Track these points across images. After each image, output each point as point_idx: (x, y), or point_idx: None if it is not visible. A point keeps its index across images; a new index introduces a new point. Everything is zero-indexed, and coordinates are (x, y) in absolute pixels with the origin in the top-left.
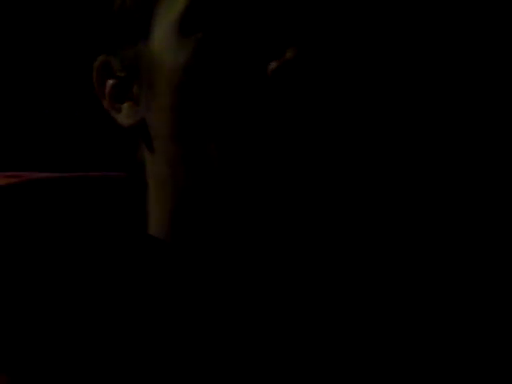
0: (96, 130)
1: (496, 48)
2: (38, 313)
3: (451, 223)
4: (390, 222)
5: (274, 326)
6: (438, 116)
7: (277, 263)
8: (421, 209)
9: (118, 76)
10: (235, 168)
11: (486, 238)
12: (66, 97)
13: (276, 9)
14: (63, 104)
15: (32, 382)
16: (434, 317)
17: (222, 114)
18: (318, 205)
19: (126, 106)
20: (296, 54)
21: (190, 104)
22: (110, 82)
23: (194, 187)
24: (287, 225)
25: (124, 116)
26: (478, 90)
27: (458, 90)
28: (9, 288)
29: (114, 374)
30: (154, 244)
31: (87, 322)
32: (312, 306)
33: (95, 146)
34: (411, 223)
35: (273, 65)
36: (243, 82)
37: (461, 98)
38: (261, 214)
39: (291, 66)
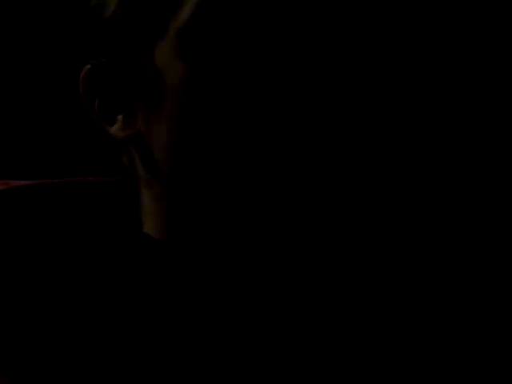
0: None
1: (496, 48)
2: (36, 315)
3: (451, 223)
4: (389, 222)
5: (272, 325)
6: (438, 116)
7: (276, 264)
8: (421, 209)
9: (110, 88)
10: (230, 180)
11: (486, 238)
12: (64, 103)
13: (272, 33)
14: (61, 110)
15: None
16: (434, 317)
17: (221, 132)
18: (316, 205)
19: (120, 117)
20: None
21: (193, 120)
22: (101, 93)
23: (189, 199)
24: (285, 228)
25: (118, 128)
26: (478, 90)
27: (457, 90)
28: (5, 291)
29: (112, 375)
30: (151, 244)
31: (86, 323)
32: (311, 306)
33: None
34: (411, 223)
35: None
36: (248, 101)
37: (461, 98)
38: (258, 223)
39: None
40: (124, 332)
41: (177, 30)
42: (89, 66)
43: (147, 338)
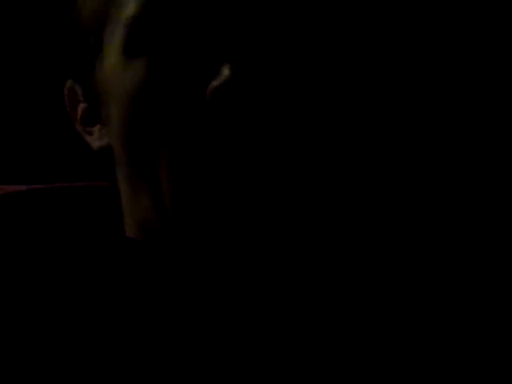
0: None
1: (496, 48)
2: (30, 318)
3: (451, 223)
4: (389, 222)
5: (271, 324)
6: (438, 116)
7: (273, 263)
8: (420, 209)
9: (85, 100)
10: (188, 194)
11: (486, 238)
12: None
13: (211, 27)
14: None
15: None
16: (434, 317)
17: (167, 141)
18: (314, 206)
19: (96, 128)
20: (232, 70)
21: (138, 130)
22: (81, 106)
23: (153, 209)
24: (280, 228)
25: (95, 138)
26: (478, 90)
27: (457, 90)
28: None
29: (108, 377)
30: (131, 246)
31: (79, 326)
32: (310, 305)
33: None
34: (411, 223)
35: (211, 85)
36: (186, 107)
37: (461, 98)
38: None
39: (228, 83)
40: (118, 331)
41: (119, 39)
42: (70, 80)
43: (139, 339)
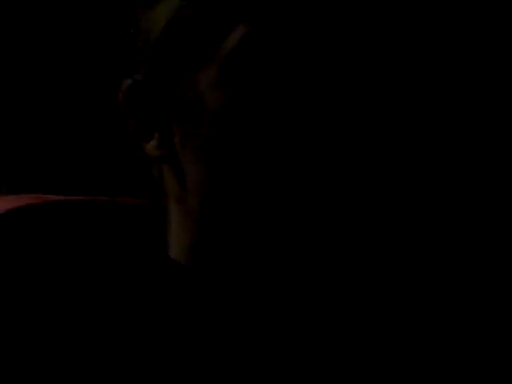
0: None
1: (496, 48)
2: (51, 335)
3: (451, 224)
4: (389, 223)
5: (275, 329)
6: (438, 117)
7: (278, 266)
8: (421, 209)
9: (150, 105)
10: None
11: (486, 238)
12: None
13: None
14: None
15: None
16: (434, 318)
17: (257, 172)
18: (317, 209)
19: (157, 136)
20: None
21: (229, 149)
22: (141, 109)
23: (216, 223)
24: (292, 240)
25: (153, 146)
26: (478, 90)
27: (457, 90)
28: (27, 305)
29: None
30: (174, 267)
31: (106, 344)
32: (311, 307)
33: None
34: (411, 224)
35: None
36: (285, 144)
37: (461, 98)
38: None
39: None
40: (141, 348)
41: (220, 60)
42: (130, 81)
43: (161, 354)
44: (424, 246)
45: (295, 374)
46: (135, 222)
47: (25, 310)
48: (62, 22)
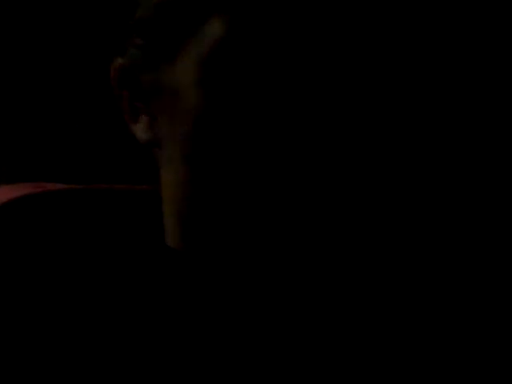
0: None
1: (496, 48)
2: (54, 324)
3: (451, 223)
4: (389, 223)
5: (275, 327)
6: (437, 117)
7: (280, 267)
8: (421, 209)
9: (137, 86)
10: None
11: (486, 238)
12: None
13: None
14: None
15: None
16: (434, 317)
17: (235, 158)
18: (318, 207)
19: (144, 118)
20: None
21: (206, 139)
22: (129, 89)
23: (200, 207)
24: (290, 231)
25: (141, 129)
26: (478, 90)
27: (457, 90)
28: (29, 295)
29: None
30: (167, 253)
31: (102, 330)
32: (312, 306)
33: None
34: (411, 224)
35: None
36: (260, 136)
37: (461, 98)
38: (265, 228)
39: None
40: (138, 336)
41: (199, 56)
42: (121, 60)
43: (158, 343)
44: (424, 245)
45: (292, 367)
46: (134, 209)
47: (25, 300)
48: (55, 12)
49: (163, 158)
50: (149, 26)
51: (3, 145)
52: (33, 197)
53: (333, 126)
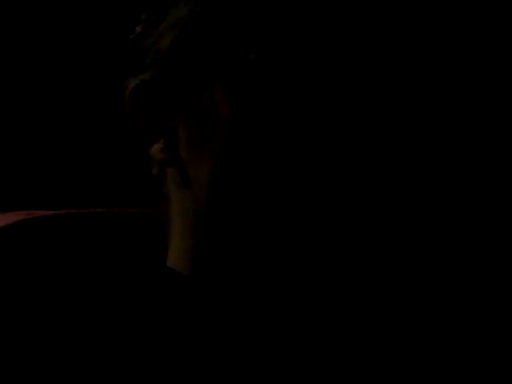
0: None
1: (496, 48)
2: (52, 356)
3: (451, 223)
4: (389, 223)
5: (275, 330)
6: (438, 117)
7: (278, 266)
8: (421, 209)
9: (156, 108)
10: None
11: (486, 238)
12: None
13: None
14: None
15: None
16: (434, 317)
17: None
18: (317, 208)
19: (162, 139)
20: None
21: (236, 160)
22: (147, 111)
23: (220, 230)
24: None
25: (158, 149)
26: (478, 90)
27: (457, 90)
28: (24, 322)
29: None
30: (173, 276)
31: (102, 359)
32: (311, 307)
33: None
34: (411, 224)
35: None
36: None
37: (461, 98)
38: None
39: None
40: (141, 357)
41: (235, 77)
42: (136, 82)
43: (162, 363)
44: (424, 245)
45: (292, 368)
46: (133, 233)
47: (19, 327)
48: (64, 21)
49: (181, 178)
50: (175, 52)
51: None
52: (25, 223)
53: (347, 140)
